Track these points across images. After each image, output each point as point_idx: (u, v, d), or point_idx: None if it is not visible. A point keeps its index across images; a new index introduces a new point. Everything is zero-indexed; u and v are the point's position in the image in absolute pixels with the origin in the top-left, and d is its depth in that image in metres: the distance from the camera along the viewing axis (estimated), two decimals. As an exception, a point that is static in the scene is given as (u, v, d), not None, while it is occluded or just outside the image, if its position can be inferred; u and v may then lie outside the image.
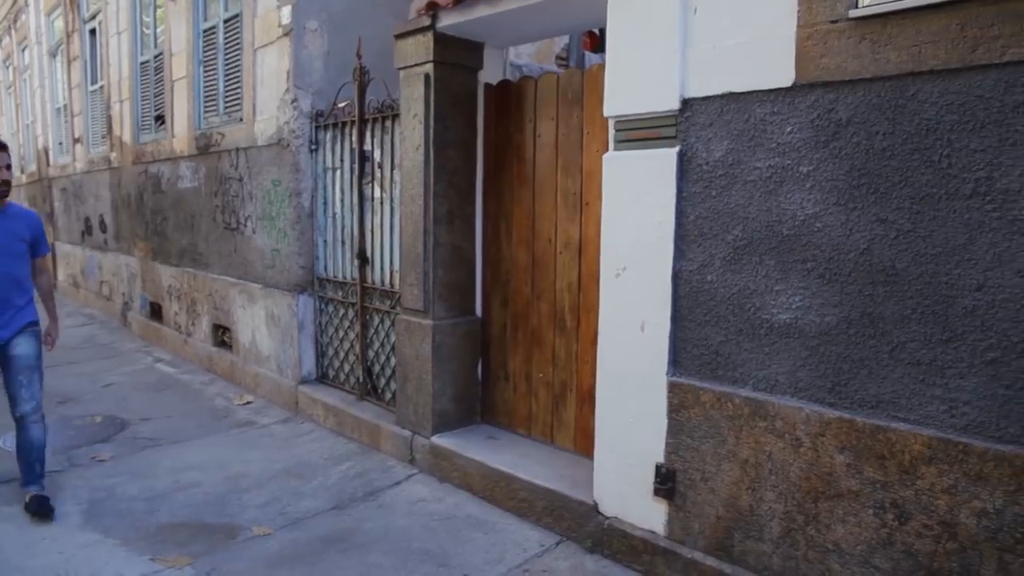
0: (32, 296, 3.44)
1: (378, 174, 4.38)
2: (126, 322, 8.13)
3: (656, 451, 2.79)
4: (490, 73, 3.95)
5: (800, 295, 2.40)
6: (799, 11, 2.33)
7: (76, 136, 9.66)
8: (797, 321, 2.42)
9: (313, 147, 4.94)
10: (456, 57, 3.77)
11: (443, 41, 3.69)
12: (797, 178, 2.39)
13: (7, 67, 14.10)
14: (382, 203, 4.37)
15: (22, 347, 3.35)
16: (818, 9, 2.29)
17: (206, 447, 4.31)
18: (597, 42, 6.05)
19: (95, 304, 9.29)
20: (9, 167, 3.24)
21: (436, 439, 3.82)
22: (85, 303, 9.68)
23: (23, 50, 12.51)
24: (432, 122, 3.71)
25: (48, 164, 11.08)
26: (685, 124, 2.66)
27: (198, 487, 3.69)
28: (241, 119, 5.63)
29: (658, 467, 2.79)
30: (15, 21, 12.71)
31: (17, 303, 3.34)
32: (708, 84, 2.58)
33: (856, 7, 2.21)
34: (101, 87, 8.66)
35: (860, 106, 2.23)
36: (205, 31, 6.19)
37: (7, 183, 3.23)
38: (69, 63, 9.70)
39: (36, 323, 3.44)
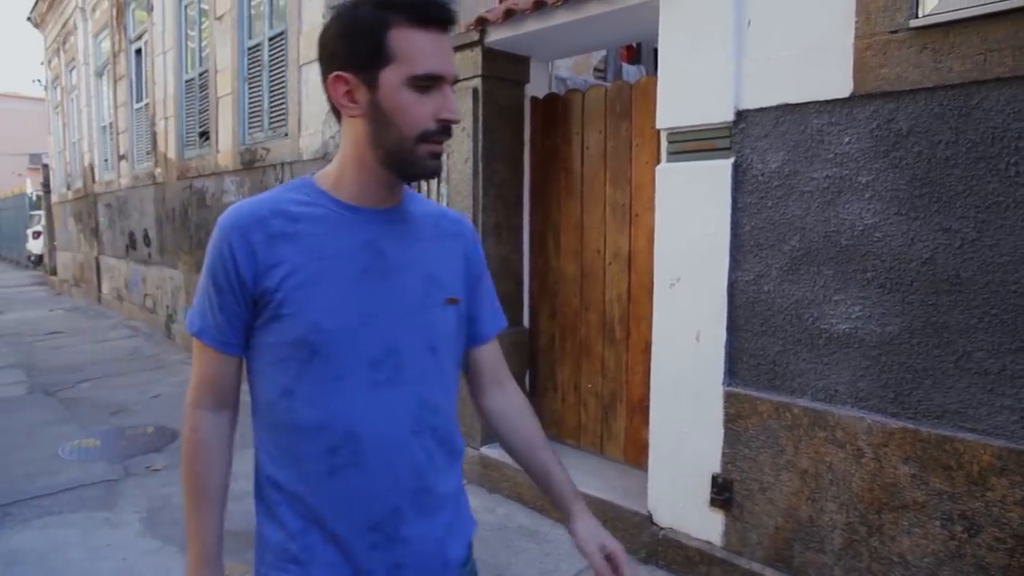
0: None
1: (424, 186, 4.44)
2: (170, 334, 8.30)
3: (712, 461, 2.79)
4: (536, 86, 3.99)
5: (860, 305, 2.39)
6: (856, 22, 2.34)
7: (121, 153, 9.93)
8: (857, 331, 2.41)
9: (358, 161, 5.02)
10: (503, 71, 3.82)
11: (491, 55, 3.74)
12: (856, 188, 2.39)
13: (55, 87, 14.56)
14: (428, 216, 4.42)
15: None
16: (877, 19, 2.29)
17: (256, 456, 4.38)
18: (634, 54, 6.08)
19: (139, 316, 9.50)
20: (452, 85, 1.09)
21: (485, 450, 3.85)
22: (129, 316, 9.91)
23: (71, 71, 12.92)
24: (480, 135, 3.77)
25: (94, 181, 11.40)
26: (740, 135, 2.67)
27: (251, 496, 3.75)
28: (286, 134, 5.75)
29: (715, 477, 2.78)
30: (64, 43, 13.14)
31: (439, 488, 1.19)
32: (763, 95, 2.59)
33: (917, 17, 2.21)
34: (146, 105, 8.91)
35: (921, 115, 2.23)
36: (250, 48, 6.35)
37: (446, 129, 1.07)
38: (115, 82, 9.99)
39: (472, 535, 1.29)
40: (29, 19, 14.74)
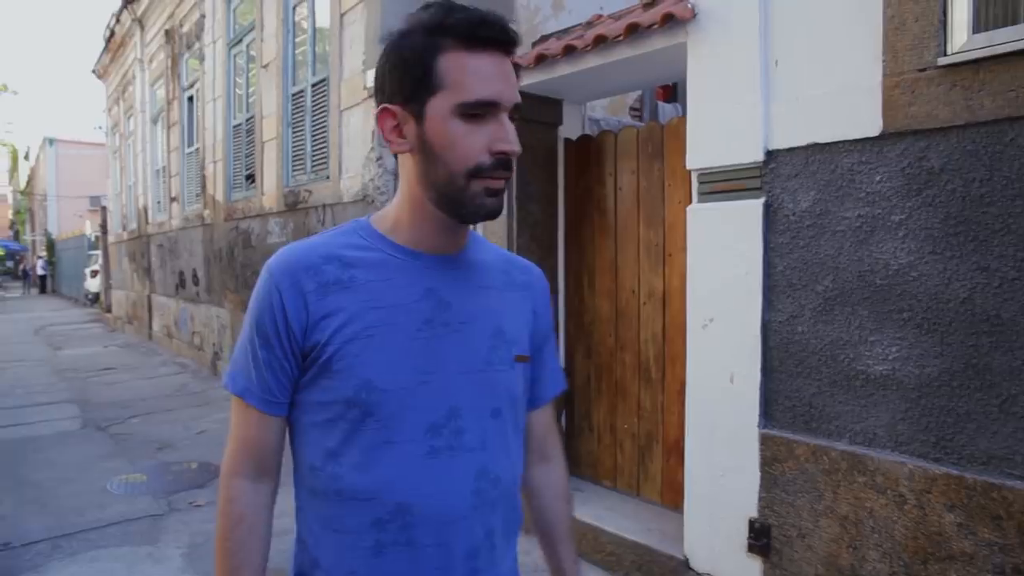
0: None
1: (460, 227, 4.51)
2: (216, 371, 8.50)
3: (749, 505, 2.73)
4: (569, 128, 4.05)
5: (897, 346, 2.34)
6: (884, 60, 2.33)
7: (173, 195, 10.32)
8: (895, 372, 2.35)
9: (397, 202, 5.13)
10: (536, 114, 3.89)
11: (523, 98, 3.79)
12: (889, 227, 2.35)
13: (115, 134, 15.27)
14: (464, 255, 4.49)
15: None
16: (904, 58, 2.28)
17: (296, 494, 4.43)
18: (670, 92, 6.12)
19: (187, 354, 9.76)
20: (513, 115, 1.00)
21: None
22: (178, 352, 10.18)
23: (129, 118, 13.55)
24: (514, 177, 3.82)
25: (147, 222, 11.85)
26: (770, 175, 2.66)
27: (293, 534, 3.79)
28: (327, 177, 5.92)
29: (751, 522, 2.72)
30: (123, 92, 13.81)
31: (493, 571, 1.08)
32: (792, 135, 2.59)
33: (945, 55, 2.19)
34: (196, 149, 9.27)
35: (954, 153, 2.20)
36: (294, 95, 6.58)
37: (504, 163, 0.97)
38: (168, 128, 10.44)
39: None
40: (93, 71, 15.55)
